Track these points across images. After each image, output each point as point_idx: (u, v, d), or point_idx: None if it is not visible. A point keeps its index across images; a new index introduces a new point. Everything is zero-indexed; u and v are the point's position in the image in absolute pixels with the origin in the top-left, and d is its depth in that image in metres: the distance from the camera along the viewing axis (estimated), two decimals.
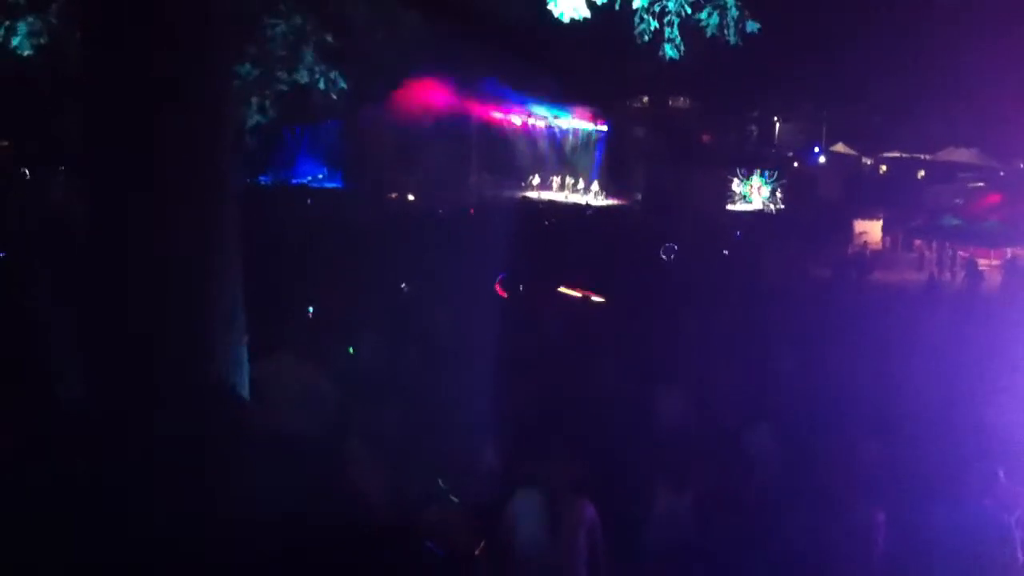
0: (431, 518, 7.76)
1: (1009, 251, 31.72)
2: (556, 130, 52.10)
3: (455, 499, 8.10)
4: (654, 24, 8.18)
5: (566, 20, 8.11)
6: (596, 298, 19.27)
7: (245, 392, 7.75)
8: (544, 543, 7.37)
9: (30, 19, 9.43)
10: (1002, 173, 43.71)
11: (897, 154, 47.83)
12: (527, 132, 52.40)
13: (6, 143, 36.70)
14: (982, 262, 29.89)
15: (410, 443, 9.30)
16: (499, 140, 51.27)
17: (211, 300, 7.20)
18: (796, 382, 11.94)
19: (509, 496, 7.67)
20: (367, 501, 7.97)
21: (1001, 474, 7.80)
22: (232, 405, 7.34)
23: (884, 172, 48.47)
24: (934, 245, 33.91)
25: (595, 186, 48.20)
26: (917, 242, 35.75)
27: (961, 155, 44.87)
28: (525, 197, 46.57)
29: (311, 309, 14.50)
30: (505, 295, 19.02)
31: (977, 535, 7.57)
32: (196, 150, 6.89)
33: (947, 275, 30.41)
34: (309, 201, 39.17)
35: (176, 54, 6.65)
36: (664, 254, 28.62)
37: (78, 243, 7.78)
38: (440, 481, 8.25)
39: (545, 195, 47.72)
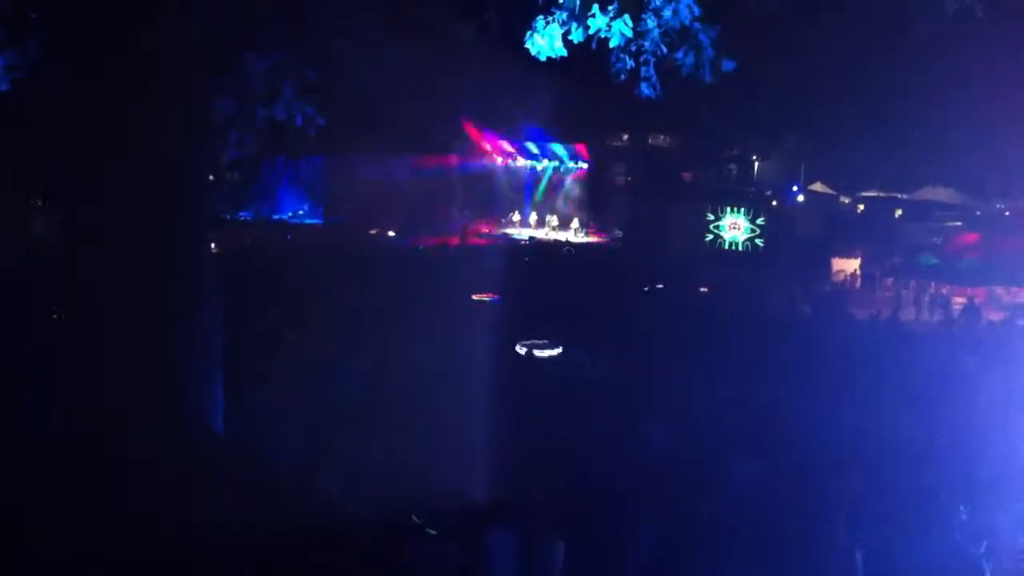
0: (406, 552, 7.70)
1: (987, 289, 31.94)
2: (537, 167, 52.32)
3: (432, 532, 8.04)
4: (631, 63, 8.24)
5: (543, 59, 8.18)
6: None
7: (219, 424, 7.71)
8: None
9: (8, 53, 9.42)
10: (979, 212, 44.05)
11: (875, 193, 48.14)
12: (508, 169, 52.61)
13: None
14: (957, 300, 30.10)
15: (387, 476, 9.27)
16: (480, 176, 51.45)
17: (185, 335, 7.18)
18: (771, 417, 11.98)
19: (485, 533, 7.61)
20: (341, 535, 7.91)
21: (962, 509, 7.90)
22: (205, 438, 7.30)
23: (862, 211, 48.77)
24: (911, 283, 34.08)
25: (575, 223, 48.32)
26: (888, 281, 35.92)
27: (938, 194, 45.17)
28: (506, 234, 46.73)
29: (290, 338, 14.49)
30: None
31: (946, 568, 7.62)
32: (170, 186, 6.89)
33: (924, 313, 30.50)
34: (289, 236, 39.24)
35: (149, 92, 6.67)
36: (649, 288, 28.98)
37: (53, 275, 7.75)
38: (415, 516, 8.19)
39: (526, 232, 47.85)
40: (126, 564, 6.49)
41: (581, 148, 49.80)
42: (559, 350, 18.88)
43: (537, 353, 18.35)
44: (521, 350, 18.33)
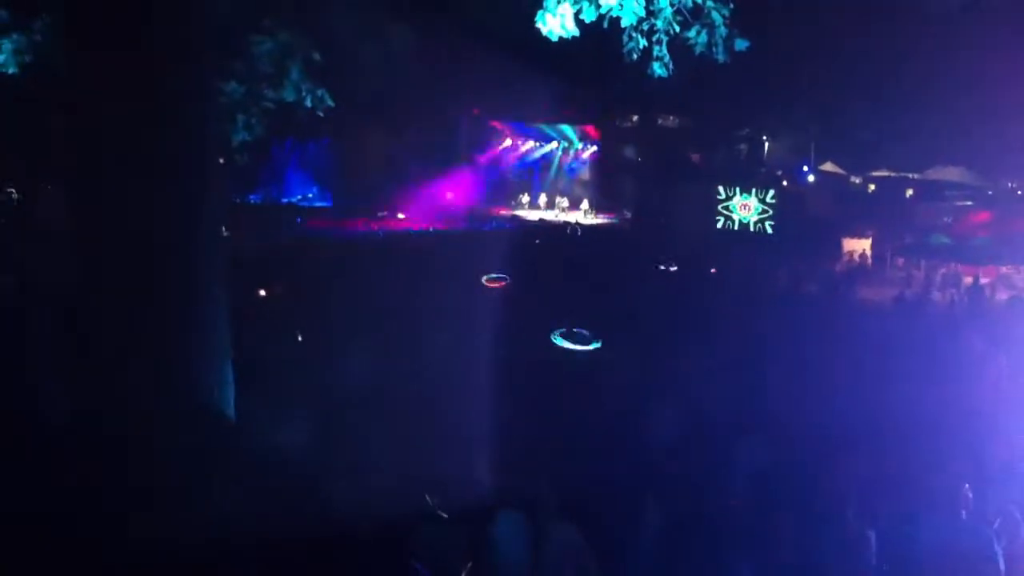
0: (419, 536, 7.68)
1: (998, 269, 31.80)
2: (546, 148, 52.19)
3: (443, 515, 8.02)
4: (643, 42, 8.15)
5: (554, 39, 8.08)
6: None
7: (231, 410, 7.68)
8: (528, 566, 7.31)
9: (15, 36, 9.37)
10: (990, 192, 43.87)
11: (885, 173, 47.94)
12: (517, 150, 52.51)
13: None
14: (970, 279, 29.97)
15: (397, 460, 9.26)
16: (489, 158, 51.39)
17: (195, 320, 7.15)
18: (781, 398, 11.96)
19: (495, 516, 7.60)
20: (353, 519, 7.90)
21: (967, 487, 7.89)
22: (216, 423, 7.28)
23: (873, 191, 48.59)
24: (923, 263, 33.95)
25: (585, 204, 48.23)
26: (899, 261, 35.77)
27: (949, 174, 44.97)
28: (515, 216, 46.65)
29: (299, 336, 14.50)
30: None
31: (960, 547, 7.60)
32: (179, 170, 6.85)
33: (935, 293, 30.36)
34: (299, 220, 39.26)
35: (157, 74, 6.63)
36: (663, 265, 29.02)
37: (66, 263, 7.71)
38: (428, 498, 8.17)
39: (536, 213, 47.74)
40: (129, 561, 6.49)
41: (590, 129, 49.66)
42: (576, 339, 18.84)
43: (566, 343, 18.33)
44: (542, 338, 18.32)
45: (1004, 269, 32.04)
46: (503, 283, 22.94)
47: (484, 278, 22.96)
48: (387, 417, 10.60)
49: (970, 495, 7.98)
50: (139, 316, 6.97)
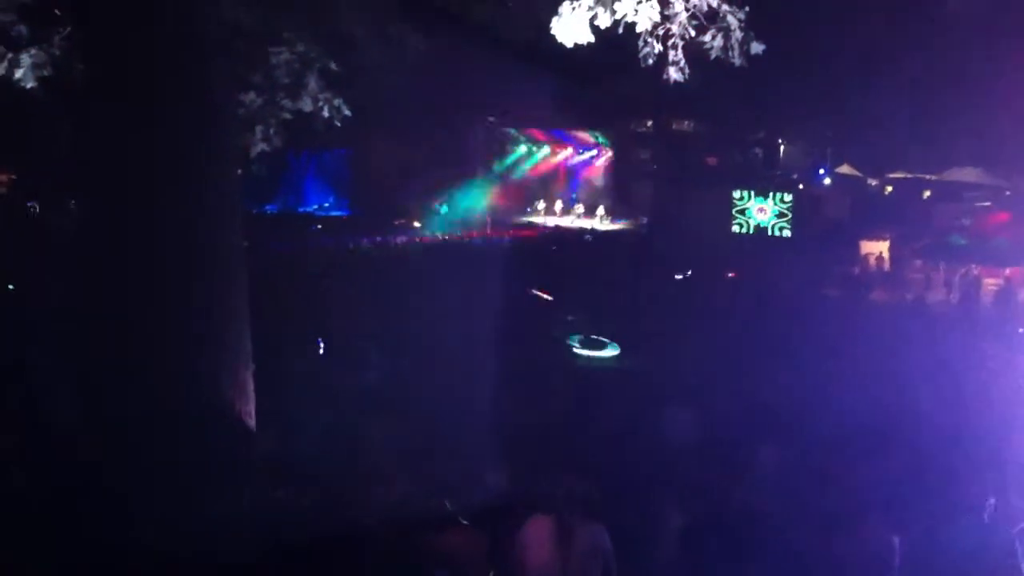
0: (440, 543, 7.68)
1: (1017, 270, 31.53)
2: (561, 155, 52.17)
3: (465, 522, 8.02)
4: (658, 47, 8.15)
5: (569, 45, 8.09)
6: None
7: (252, 419, 7.70)
8: (556, 569, 7.25)
9: (33, 51, 9.42)
10: (1008, 192, 43.58)
11: (902, 175, 47.69)
12: (532, 157, 52.50)
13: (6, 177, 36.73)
14: (990, 281, 29.77)
15: (419, 465, 9.28)
16: (505, 166, 51.44)
17: (216, 328, 7.18)
18: (802, 401, 11.93)
19: (520, 520, 7.56)
20: (374, 525, 7.91)
21: (992, 501, 7.86)
22: (237, 432, 7.30)
23: (889, 193, 48.36)
24: (941, 265, 33.76)
25: (600, 210, 48.18)
26: (918, 263, 35.57)
27: (967, 175, 44.64)
28: (531, 223, 46.65)
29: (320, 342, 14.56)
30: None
31: (982, 552, 7.57)
32: (199, 180, 6.89)
33: (955, 295, 30.19)
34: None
35: (178, 85, 6.67)
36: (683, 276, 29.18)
37: (84, 272, 7.76)
38: (448, 504, 8.17)
39: (551, 220, 47.71)
40: (148, 567, 6.52)
41: (605, 135, 49.61)
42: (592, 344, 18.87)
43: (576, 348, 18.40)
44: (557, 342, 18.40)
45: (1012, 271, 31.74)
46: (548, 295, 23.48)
47: (535, 289, 23.49)
48: (407, 422, 10.62)
49: (993, 499, 7.95)
50: (158, 326, 7.00)
